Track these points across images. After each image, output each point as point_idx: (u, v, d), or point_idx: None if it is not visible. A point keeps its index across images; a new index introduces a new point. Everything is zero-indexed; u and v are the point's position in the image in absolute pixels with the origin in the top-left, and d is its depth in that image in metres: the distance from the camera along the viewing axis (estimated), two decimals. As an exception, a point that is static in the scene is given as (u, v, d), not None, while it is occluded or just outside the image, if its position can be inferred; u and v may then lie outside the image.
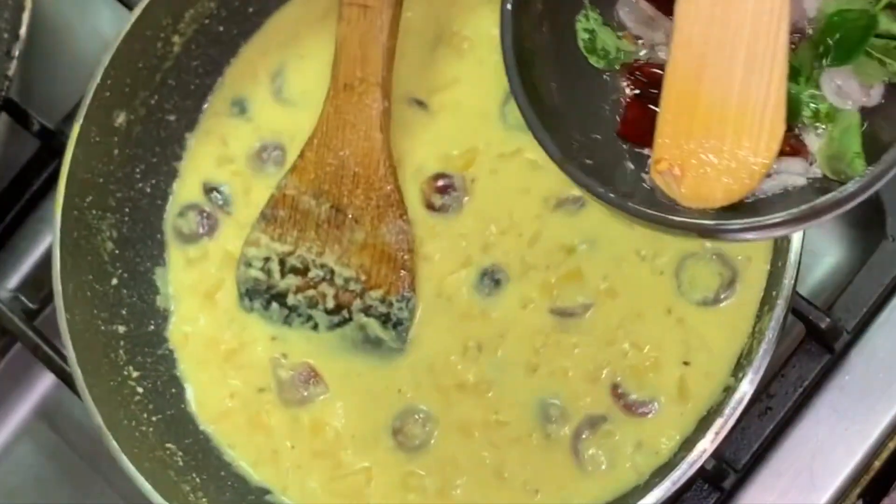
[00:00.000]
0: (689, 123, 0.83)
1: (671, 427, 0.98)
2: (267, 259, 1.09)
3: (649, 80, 0.87)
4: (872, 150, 0.79)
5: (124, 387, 1.08)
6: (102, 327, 1.09)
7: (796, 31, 0.83)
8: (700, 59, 0.82)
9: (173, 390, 1.10)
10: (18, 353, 1.23)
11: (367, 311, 1.07)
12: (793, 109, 0.82)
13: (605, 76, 0.89)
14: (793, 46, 0.82)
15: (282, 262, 1.09)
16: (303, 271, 1.08)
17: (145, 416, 1.07)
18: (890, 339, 1.02)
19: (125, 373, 1.08)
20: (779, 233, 0.83)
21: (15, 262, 1.23)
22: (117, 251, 1.12)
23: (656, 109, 0.84)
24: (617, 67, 0.89)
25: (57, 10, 1.28)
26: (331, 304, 1.08)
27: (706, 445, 0.92)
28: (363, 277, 1.07)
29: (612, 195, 0.82)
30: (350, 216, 1.08)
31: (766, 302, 0.96)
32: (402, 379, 1.05)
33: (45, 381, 1.25)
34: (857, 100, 0.82)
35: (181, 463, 1.06)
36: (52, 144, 1.19)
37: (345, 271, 1.08)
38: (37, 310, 1.21)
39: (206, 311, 1.11)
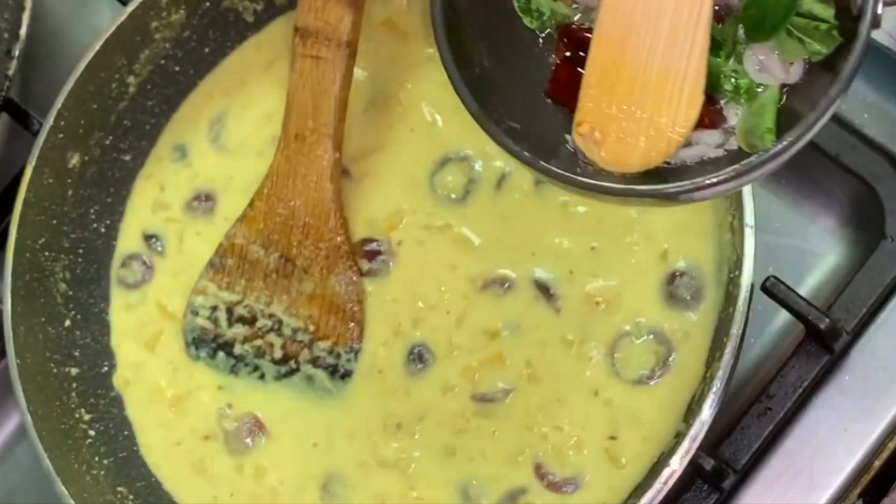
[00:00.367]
0: (612, 88, 0.84)
1: (607, 493, 0.98)
2: (214, 308, 1.09)
3: (580, 44, 0.88)
4: (789, 127, 0.80)
5: (76, 430, 1.08)
6: (55, 370, 1.09)
7: (726, 8, 0.84)
8: (626, 26, 0.84)
9: (125, 432, 1.10)
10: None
11: (314, 361, 1.07)
12: (713, 82, 0.83)
13: (539, 39, 0.90)
14: (719, 22, 0.84)
15: (229, 312, 1.09)
16: (250, 321, 1.08)
17: (97, 459, 1.08)
18: (890, 339, 1.02)
19: (77, 416, 1.09)
20: (680, 201, 0.84)
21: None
22: (70, 292, 1.12)
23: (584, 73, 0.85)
24: (550, 30, 0.89)
25: (57, 10, 1.28)
26: (278, 354, 1.07)
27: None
28: (311, 328, 1.07)
29: (526, 154, 0.83)
30: (299, 266, 1.07)
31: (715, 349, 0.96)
32: (338, 427, 1.05)
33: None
34: (778, 76, 0.84)
35: (132, 507, 1.07)
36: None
37: (293, 321, 1.07)
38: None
39: (149, 357, 1.11)
